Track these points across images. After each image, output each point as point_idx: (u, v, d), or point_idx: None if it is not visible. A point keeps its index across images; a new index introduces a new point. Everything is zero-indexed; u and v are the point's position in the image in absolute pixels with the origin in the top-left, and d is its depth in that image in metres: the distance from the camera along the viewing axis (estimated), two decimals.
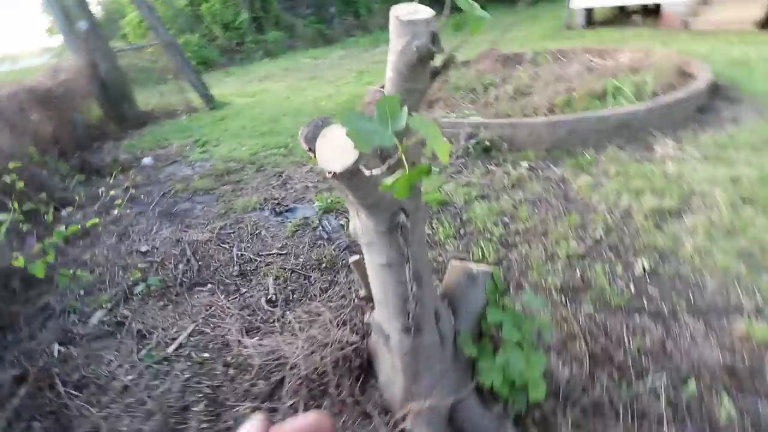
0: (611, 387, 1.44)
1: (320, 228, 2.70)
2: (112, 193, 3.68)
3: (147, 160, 4.77)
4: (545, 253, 2.17)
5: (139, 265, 2.60)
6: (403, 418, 1.22)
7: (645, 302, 1.79)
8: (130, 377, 1.78)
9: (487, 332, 1.22)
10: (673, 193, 2.48)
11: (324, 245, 2.50)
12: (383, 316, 1.19)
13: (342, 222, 2.75)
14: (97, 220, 3.09)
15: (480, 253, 2.16)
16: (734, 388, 1.39)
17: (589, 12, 8.08)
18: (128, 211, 3.48)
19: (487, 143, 3.37)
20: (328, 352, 1.58)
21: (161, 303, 2.24)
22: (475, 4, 0.87)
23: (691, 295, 1.80)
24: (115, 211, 3.45)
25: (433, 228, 2.51)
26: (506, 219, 2.51)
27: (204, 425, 1.54)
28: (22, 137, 4.23)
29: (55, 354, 1.97)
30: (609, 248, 2.15)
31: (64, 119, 5.36)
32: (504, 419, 1.27)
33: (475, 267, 1.25)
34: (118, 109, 6.51)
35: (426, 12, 0.69)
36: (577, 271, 2.01)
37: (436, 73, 0.79)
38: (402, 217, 0.99)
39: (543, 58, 5.34)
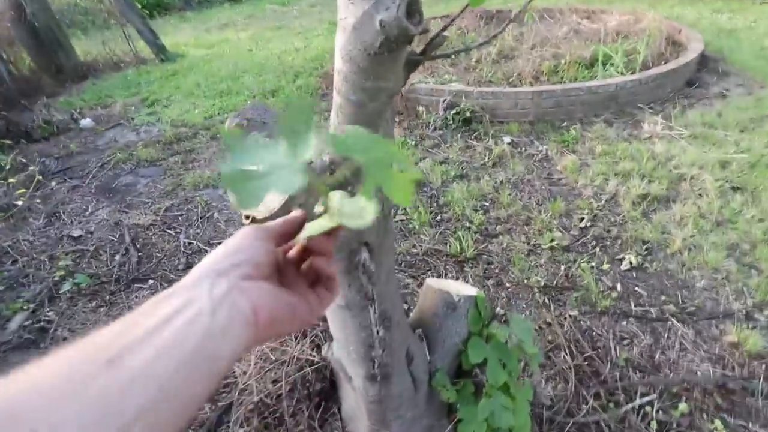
0: (598, 407, 1.31)
1: None
2: (41, 163, 3.20)
3: (86, 122, 4.20)
4: (528, 244, 2.00)
5: (69, 256, 2.25)
6: None
7: (632, 304, 1.66)
8: None
9: (469, 369, 1.04)
10: (661, 177, 2.33)
11: None
12: (344, 357, 0.97)
13: None
14: (20, 199, 2.67)
15: (458, 246, 1.96)
16: (726, 410, 1.29)
17: None
18: (60, 185, 3.04)
19: (468, 114, 3.09)
20: (284, 372, 1.37)
21: (93, 304, 1.94)
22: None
23: (679, 296, 1.68)
24: (51, 187, 3.00)
25: (407, 214, 2.27)
26: (486, 204, 2.31)
27: None
28: None
29: None
30: (595, 240, 1.99)
31: None
32: None
33: (455, 291, 1.04)
34: (52, 59, 5.68)
35: None
36: (562, 266, 1.85)
37: (414, 64, 0.51)
38: (364, 256, 0.74)
39: (528, 17, 4.96)
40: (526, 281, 1.78)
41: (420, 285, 1.83)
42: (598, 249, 1.94)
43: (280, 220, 0.35)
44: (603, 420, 1.25)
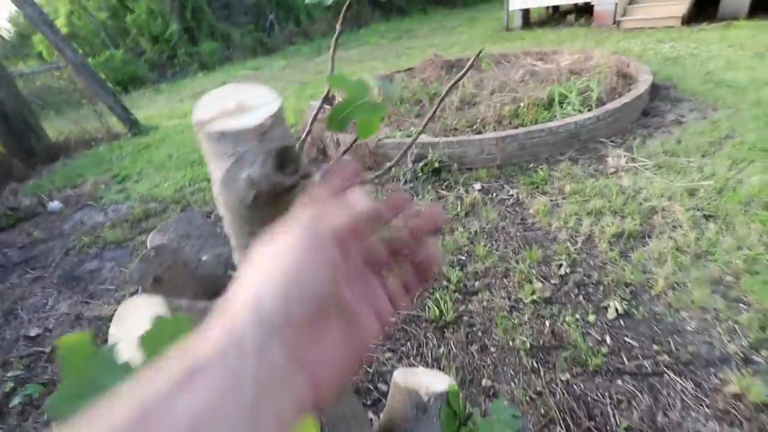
0: None
1: None
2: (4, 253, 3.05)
3: (54, 205, 4.10)
4: (509, 300, 1.91)
5: (23, 361, 2.07)
6: None
7: (625, 358, 1.56)
8: None
9: None
10: (633, 212, 2.32)
11: None
12: None
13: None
14: None
15: (436, 310, 1.86)
16: None
17: (526, 13, 8.15)
18: (21, 278, 2.88)
19: (437, 164, 3.11)
20: None
21: (45, 417, 1.75)
22: (389, 84, 0.56)
23: (671, 342, 1.59)
24: (10, 281, 2.84)
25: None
26: (463, 257, 2.24)
27: None
28: None
29: None
30: (576, 287, 1.92)
31: None
32: None
33: (425, 388, 0.94)
34: (22, 142, 5.67)
35: (263, 105, 0.36)
36: (546, 322, 1.76)
37: (291, 187, 0.46)
38: None
39: (486, 64, 5.20)
40: (511, 343, 1.68)
41: (400, 359, 1.72)
42: (581, 297, 1.86)
43: (364, 206, 0.23)
44: None
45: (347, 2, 0.54)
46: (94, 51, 10.98)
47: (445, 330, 1.80)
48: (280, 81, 7.90)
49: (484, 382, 1.54)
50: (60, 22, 11.16)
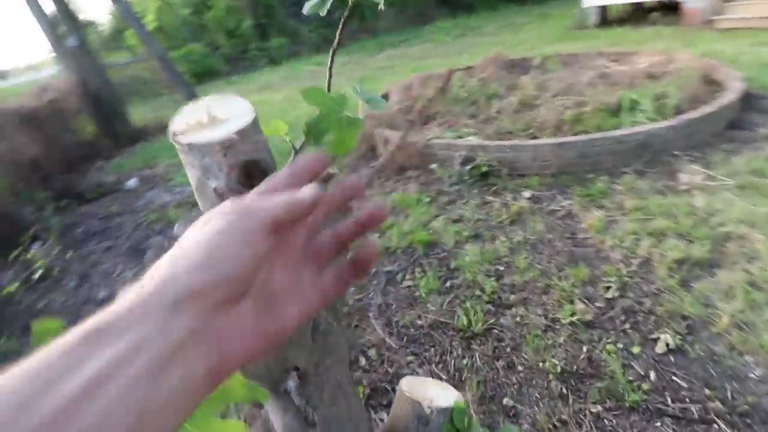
0: None
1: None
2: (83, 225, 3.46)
3: (131, 183, 4.56)
4: (545, 318, 1.80)
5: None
6: None
7: (668, 399, 1.41)
8: None
9: None
10: (702, 237, 2.07)
11: None
12: None
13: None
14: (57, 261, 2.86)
15: (465, 319, 1.81)
16: None
17: (603, 10, 7.56)
18: (97, 246, 3.25)
19: (485, 168, 3.00)
20: None
21: None
22: (378, 99, 0.54)
23: (728, 389, 1.41)
24: (88, 248, 3.21)
25: (415, 278, 2.16)
26: (501, 268, 2.15)
27: None
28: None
29: None
30: (624, 314, 1.77)
31: (52, 140, 5.20)
32: None
33: (429, 400, 0.91)
34: (110, 125, 6.36)
35: (235, 119, 0.36)
36: (584, 347, 1.64)
37: None
38: (290, 384, 0.65)
39: (552, 64, 4.92)
40: (541, 364, 1.59)
41: (422, 364, 1.69)
42: (627, 325, 1.71)
43: (286, 197, 0.24)
44: None
45: (342, 20, 0.54)
46: (177, 45, 11.96)
47: (472, 341, 1.74)
48: (341, 76, 8.07)
49: (505, 401, 1.47)
50: (149, 18, 12.29)
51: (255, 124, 0.37)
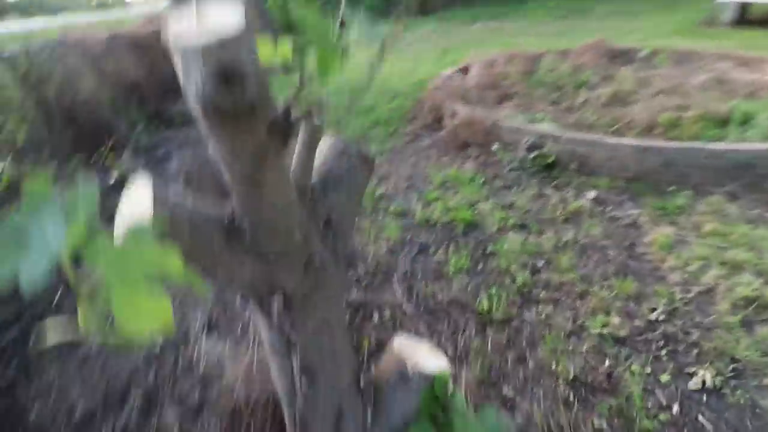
0: None
1: None
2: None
3: None
4: (572, 322, 1.70)
5: None
6: None
7: None
8: None
9: None
10: None
11: None
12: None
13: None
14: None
15: (487, 304, 1.76)
16: None
17: (743, 7, 6.42)
18: (170, 165, 3.58)
19: (551, 159, 2.80)
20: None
21: None
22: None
23: None
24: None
25: (447, 254, 2.13)
26: (539, 264, 2.04)
27: (134, 417, 1.46)
28: (106, 82, 4.56)
29: None
30: (664, 339, 1.61)
31: (152, 67, 5.71)
32: None
33: (414, 363, 0.92)
34: None
35: (221, 27, 0.36)
36: (607, 361, 1.53)
37: (281, 132, 0.47)
38: (275, 306, 0.69)
39: (662, 60, 4.35)
40: (553, 366, 1.51)
41: (432, 335, 1.69)
42: (663, 352, 1.56)
43: None
44: None
45: None
46: None
47: (489, 326, 1.70)
48: (426, 44, 7.83)
49: (506, 390, 1.44)
50: None
51: (242, 35, 0.37)
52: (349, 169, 0.84)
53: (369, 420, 0.94)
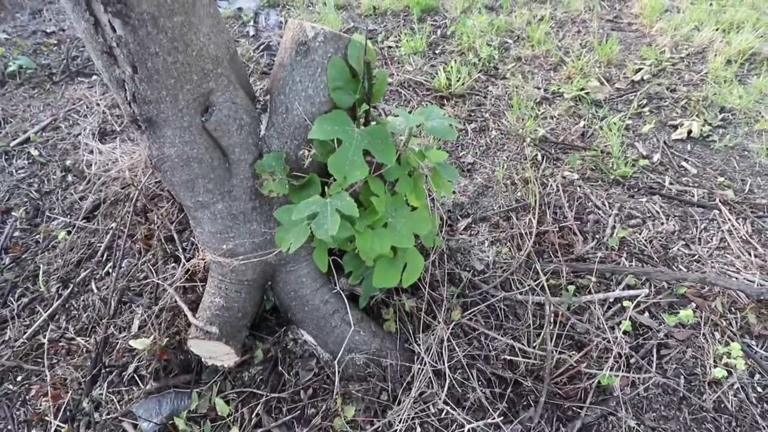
0: (547, 288, 0.91)
1: (252, 23, 1.96)
2: None
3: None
4: (545, 91, 1.43)
5: (28, 40, 2.06)
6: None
7: (666, 181, 1.12)
8: None
9: (320, 154, 0.64)
10: None
11: (245, 43, 1.81)
12: None
13: (282, 19, 1.99)
14: None
15: (445, 80, 1.44)
16: (757, 336, 0.83)
17: None
18: None
19: None
20: None
21: (34, 91, 1.76)
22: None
23: (748, 182, 1.11)
24: None
25: (399, 40, 1.73)
26: (509, 41, 1.69)
27: (17, 233, 1.19)
28: None
29: None
30: (647, 99, 1.38)
31: None
32: (344, 301, 0.80)
33: (315, 26, 0.60)
34: None
35: None
36: (582, 122, 1.30)
37: None
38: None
39: None
40: (521, 130, 1.27)
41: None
42: (646, 109, 1.33)
43: None
44: (549, 304, 0.85)
45: None
46: None
47: (447, 101, 1.41)
48: None
49: (464, 157, 1.21)
50: None
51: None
52: None
53: (263, 124, 0.67)
